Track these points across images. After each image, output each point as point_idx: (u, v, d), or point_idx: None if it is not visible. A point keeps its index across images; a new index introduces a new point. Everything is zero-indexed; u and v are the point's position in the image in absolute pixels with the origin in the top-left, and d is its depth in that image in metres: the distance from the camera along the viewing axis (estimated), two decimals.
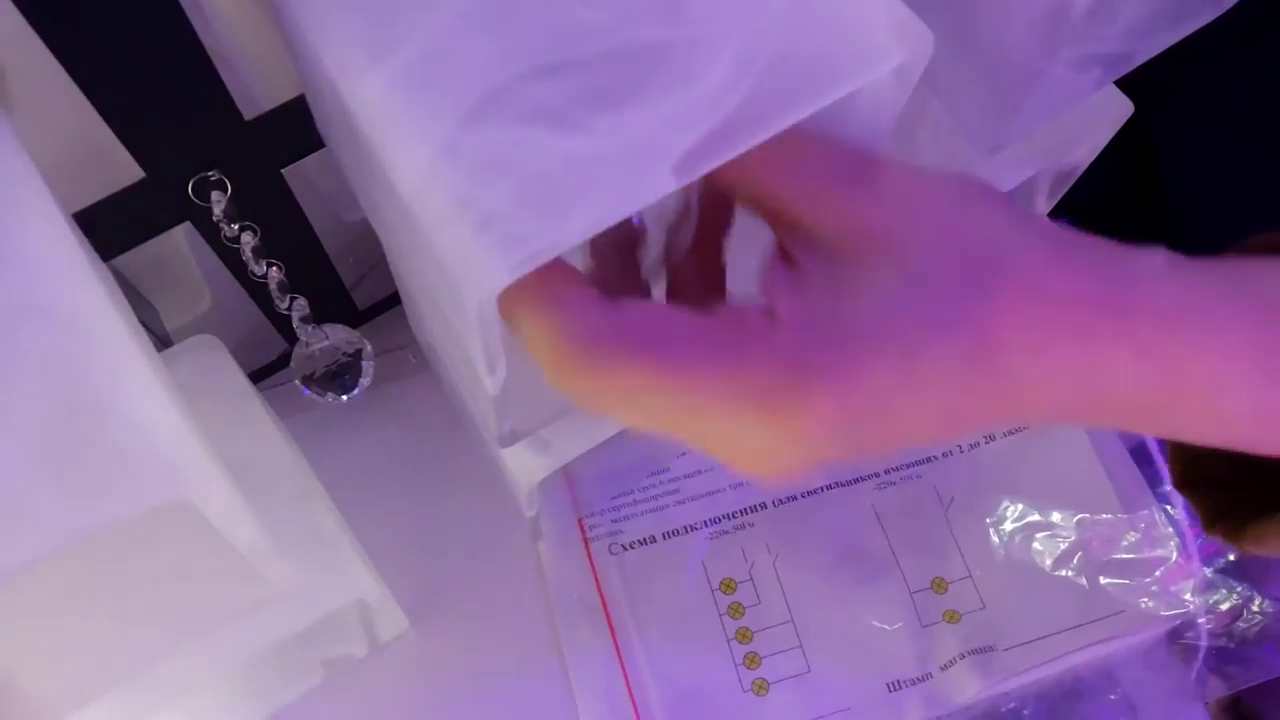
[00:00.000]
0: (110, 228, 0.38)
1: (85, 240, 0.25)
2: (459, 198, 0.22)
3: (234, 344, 0.52)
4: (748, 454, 0.25)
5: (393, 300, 0.56)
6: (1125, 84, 0.46)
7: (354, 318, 0.54)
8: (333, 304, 0.52)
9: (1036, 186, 0.53)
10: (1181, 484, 0.33)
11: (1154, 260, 0.25)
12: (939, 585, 0.48)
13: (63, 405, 0.21)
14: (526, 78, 0.23)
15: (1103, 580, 0.48)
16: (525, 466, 0.38)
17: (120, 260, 0.48)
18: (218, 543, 0.30)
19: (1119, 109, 0.46)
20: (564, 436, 0.39)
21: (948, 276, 0.24)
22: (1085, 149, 0.48)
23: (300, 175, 0.45)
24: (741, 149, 0.23)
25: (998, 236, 0.25)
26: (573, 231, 0.22)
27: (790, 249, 0.25)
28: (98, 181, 0.36)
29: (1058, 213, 0.55)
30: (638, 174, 0.22)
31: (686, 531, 0.50)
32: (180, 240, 0.48)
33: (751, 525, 0.50)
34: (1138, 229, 0.59)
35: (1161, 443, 0.51)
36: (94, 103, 0.32)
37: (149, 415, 0.22)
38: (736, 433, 0.24)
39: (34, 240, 0.23)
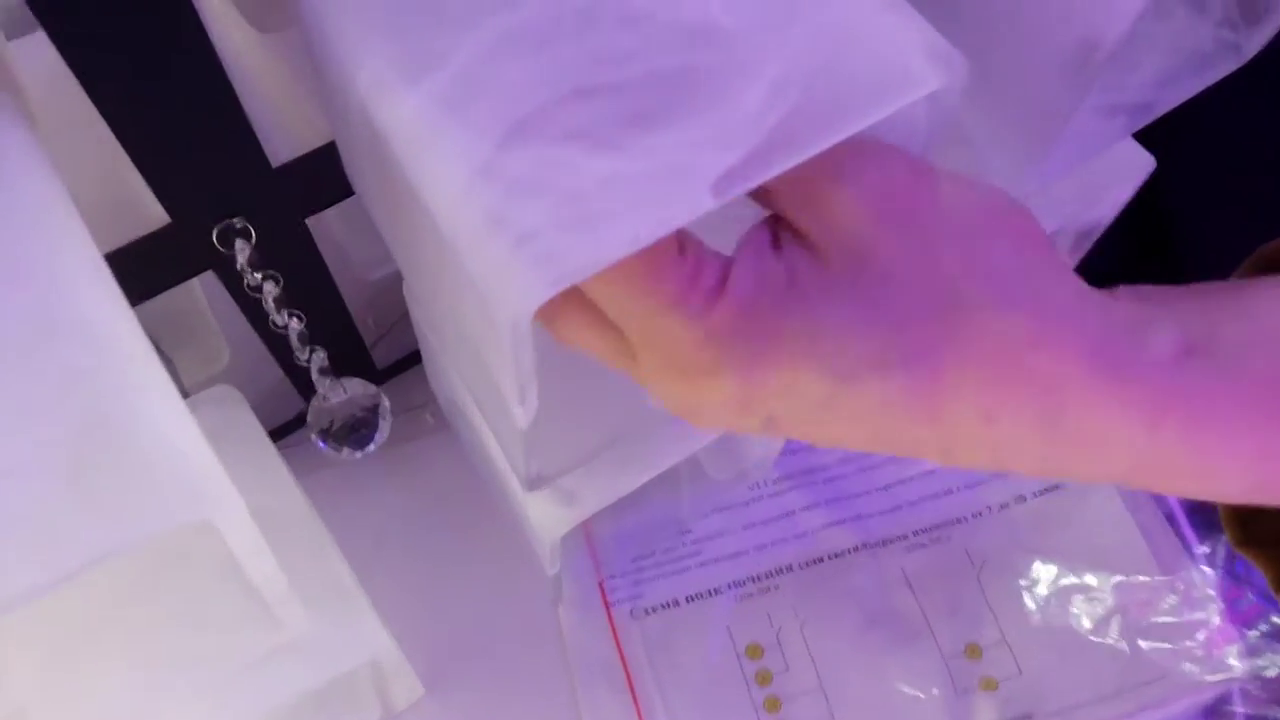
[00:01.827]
0: (134, 273, 0.37)
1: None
2: (495, 217, 0.22)
3: (252, 401, 0.51)
4: (670, 397, 0.25)
5: (412, 359, 0.56)
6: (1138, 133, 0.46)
7: (373, 376, 0.54)
8: (352, 361, 0.52)
9: (1058, 244, 0.53)
10: (1241, 544, 0.32)
11: (1159, 346, 0.23)
12: (973, 651, 0.47)
13: (87, 423, 0.20)
14: (564, 100, 0.23)
15: (1143, 644, 0.46)
16: (549, 520, 0.37)
17: (139, 312, 0.48)
18: (234, 587, 0.30)
19: (1141, 165, 0.46)
20: (588, 488, 0.38)
21: (907, 308, 0.23)
22: (1108, 205, 0.48)
23: (325, 233, 0.45)
24: (779, 170, 0.22)
25: (982, 279, 0.23)
26: (610, 250, 0.21)
27: (774, 226, 0.25)
28: (123, 227, 0.36)
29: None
30: (676, 194, 0.22)
31: (710, 595, 0.48)
32: (199, 295, 0.48)
33: (777, 588, 0.48)
34: (1149, 271, 0.58)
35: (1191, 507, 0.50)
36: (125, 145, 0.32)
37: (173, 436, 0.21)
38: (658, 377, 0.24)
39: (64, 262, 0.22)
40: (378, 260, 0.52)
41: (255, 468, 0.39)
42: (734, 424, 0.25)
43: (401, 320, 0.55)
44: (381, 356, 0.55)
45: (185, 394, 0.49)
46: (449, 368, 0.40)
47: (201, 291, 0.47)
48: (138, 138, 0.32)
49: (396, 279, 0.46)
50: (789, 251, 0.24)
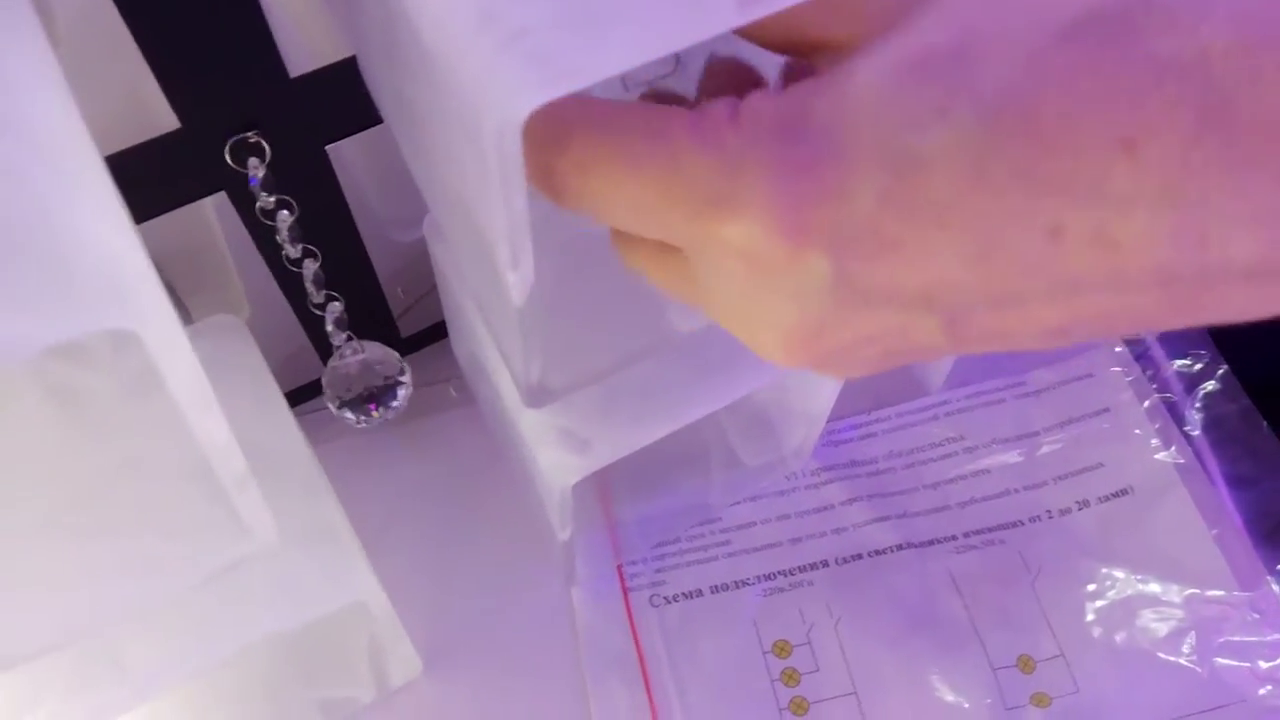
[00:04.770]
0: (142, 182, 0.36)
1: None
2: (485, 13, 0.19)
3: (271, 363, 0.49)
4: (713, 250, 0.19)
5: (438, 331, 0.53)
6: None
7: (397, 346, 0.52)
8: (375, 324, 0.50)
9: None
10: None
11: None
12: (1025, 663, 0.42)
13: (13, 219, 0.18)
14: None
15: (1217, 663, 0.41)
16: (559, 467, 0.34)
17: (157, 253, 0.46)
18: (197, 490, 0.27)
19: None
20: (603, 436, 0.35)
21: (974, 31, 0.17)
22: None
23: (356, 192, 0.43)
24: None
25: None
26: (615, 57, 0.18)
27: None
28: (132, 127, 0.34)
29: None
30: (694, 5, 0.19)
31: (737, 587, 0.45)
32: (222, 245, 0.46)
33: (810, 584, 0.44)
34: None
35: (1266, 521, 0.45)
36: (137, 38, 0.30)
37: (105, 240, 0.18)
38: (670, 262, 0.20)
39: (14, 64, 0.20)
40: (409, 223, 0.50)
41: (251, 400, 0.37)
42: (794, 268, 0.19)
43: (431, 292, 0.53)
44: (408, 327, 0.53)
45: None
46: (459, 279, 0.38)
47: (226, 243, 0.46)
48: (151, 31, 0.30)
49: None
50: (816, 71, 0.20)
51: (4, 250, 0.18)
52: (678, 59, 0.28)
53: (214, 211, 0.41)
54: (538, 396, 0.28)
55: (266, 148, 0.36)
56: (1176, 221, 0.16)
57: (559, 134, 0.20)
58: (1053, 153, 0.16)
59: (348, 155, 0.42)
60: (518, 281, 0.23)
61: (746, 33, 0.21)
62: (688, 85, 0.28)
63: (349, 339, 0.44)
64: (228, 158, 0.36)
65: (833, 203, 0.18)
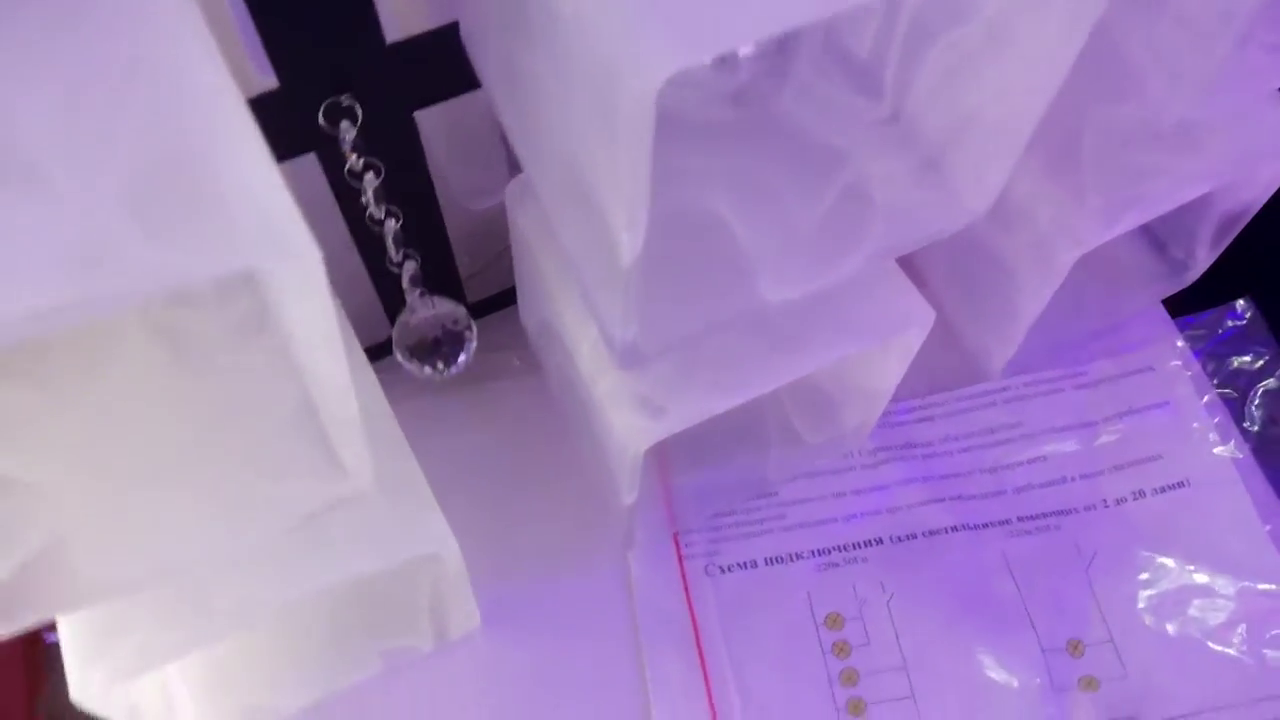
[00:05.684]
0: None
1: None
2: None
3: None
4: None
5: (503, 299, 0.54)
6: None
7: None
8: (445, 287, 0.51)
9: (1199, 230, 0.49)
10: None
11: None
12: (1075, 647, 0.43)
13: (164, 160, 0.19)
14: None
15: (1268, 655, 0.42)
16: (633, 431, 0.35)
17: None
18: (303, 432, 0.28)
19: None
20: (677, 403, 0.35)
21: None
22: (1260, 183, 0.45)
23: (431, 159, 0.44)
24: None
25: None
26: (752, 25, 0.19)
27: None
28: None
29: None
30: None
31: (791, 559, 0.45)
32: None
33: (864, 560, 0.45)
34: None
35: None
36: None
37: (255, 184, 0.19)
38: None
39: (160, 12, 0.21)
40: (480, 191, 0.51)
41: None
42: None
43: (495, 261, 0.54)
44: (472, 294, 0.54)
45: None
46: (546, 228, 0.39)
47: (298, 201, 0.46)
48: None
49: (497, 214, 0.44)
50: None
51: (167, 186, 0.19)
52: (787, 57, 0.28)
53: (288, 169, 0.42)
54: (630, 357, 0.29)
55: (359, 111, 0.37)
56: None
57: None
58: None
59: (425, 123, 0.43)
60: (630, 241, 0.23)
61: None
62: (792, 86, 0.28)
63: (421, 295, 0.45)
64: (321, 119, 0.37)
65: None
